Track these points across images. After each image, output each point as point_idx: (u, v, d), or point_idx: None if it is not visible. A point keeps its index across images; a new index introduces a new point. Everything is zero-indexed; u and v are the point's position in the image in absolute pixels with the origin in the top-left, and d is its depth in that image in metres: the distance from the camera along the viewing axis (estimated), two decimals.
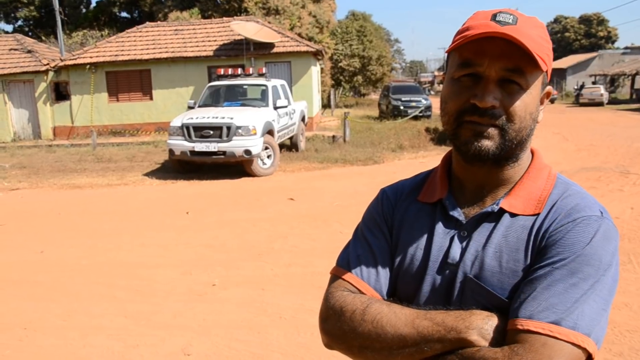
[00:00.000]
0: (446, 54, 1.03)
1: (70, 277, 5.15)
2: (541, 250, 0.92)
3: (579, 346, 0.83)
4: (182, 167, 11.04)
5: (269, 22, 21.10)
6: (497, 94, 0.93)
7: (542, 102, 1.01)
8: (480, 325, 0.88)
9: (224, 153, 10.16)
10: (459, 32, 0.97)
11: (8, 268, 5.49)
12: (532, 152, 1.06)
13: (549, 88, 1.02)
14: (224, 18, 21.22)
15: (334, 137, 15.16)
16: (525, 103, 0.94)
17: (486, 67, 0.92)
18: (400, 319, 0.94)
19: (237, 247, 5.96)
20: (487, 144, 0.95)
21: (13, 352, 3.68)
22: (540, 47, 0.93)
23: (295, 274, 5.01)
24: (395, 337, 0.93)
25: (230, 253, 5.76)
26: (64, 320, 4.18)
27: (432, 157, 12.53)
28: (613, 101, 35.09)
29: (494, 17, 0.94)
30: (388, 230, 1.11)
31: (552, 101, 37.15)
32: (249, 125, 10.15)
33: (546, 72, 0.96)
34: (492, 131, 0.94)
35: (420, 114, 21.11)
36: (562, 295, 0.85)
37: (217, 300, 4.47)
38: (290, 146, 13.70)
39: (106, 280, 5.03)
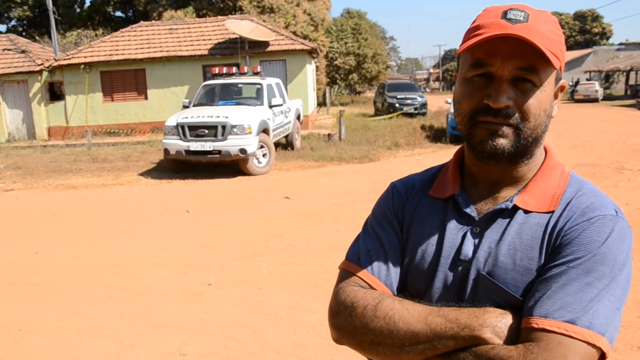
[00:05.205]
0: (456, 55, 1.02)
1: (65, 278, 5.13)
2: (556, 248, 0.92)
3: (593, 345, 0.83)
4: (177, 167, 11.03)
5: (264, 21, 21.06)
6: (510, 93, 0.92)
7: (556, 97, 1.01)
8: (494, 323, 0.88)
9: (219, 152, 10.14)
10: (469, 31, 0.96)
11: (3, 269, 5.46)
12: (545, 150, 1.05)
13: (563, 82, 1.01)
14: (219, 17, 21.19)
15: (329, 135, 15.16)
16: (539, 100, 0.93)
17: (499, 67, 0.92)
18: (412, 315, 0.93)
19: (233, 246, 5.95)
20: (503, 142, 0.94)
21: (8, 353, 3.66)
22: (553, 43, 0.92)
23: (291, 273, 5.01)
24: (408, 334, 0.92)
25: (226, 252, 5.75)
26: (59, 321, 4.17)
27: (427, 155, 12.54)
28: (608, 97, 35.21)
29: (504, 14, 0.92)
30: (398, 224, 1.10)
31: None
32: (244, 124, 10.14)
33: (559, 67, 0.95)
34: (507, 130, 0.94)
35: (416, 112, 21.13)
36: (577, 294, 0.85)
37: (213, 299, 4.46)
38: (285, 145, 13.69)
39: (102, 280, 5.02)
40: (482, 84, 0.94)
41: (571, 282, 0.86)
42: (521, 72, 0.91)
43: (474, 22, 0.97)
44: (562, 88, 1.01)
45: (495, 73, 0.92)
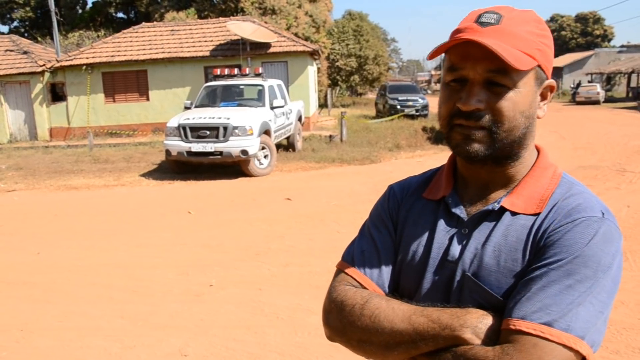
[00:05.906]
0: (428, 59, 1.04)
1: (67, 278, 5.14)
2: (539, 250, 0.91)
3: (570, 348, 0.82)
4: (179, 168, 11.03)
5: (266, 22, 21.08)
6: (482, 96, 0.93)
7: (544, 97, 1.00)
8: (475, 324, 0.88)
9: (220, 153, 10.15)
10: (450, 34, 0.97)
11: (4, 269, 5.47)
12: (538, 150, 1.05)
13: (550, 82, 1.00)
14: (220, 18, 21.20)
15: (330, 136, 15.15)
16: (513, 102, 0.93)
17: (469, 70, 0.93)
18: (397, 314, 0.95)
19: (234, 247, 5.96)
20: (476, 146, 0.95)
21: (10, 353, 3.67)
22: (527, 43, 0.92)
23: (292, 274, 5.01)
24: (392, 333, 0.93)
25: (228, 253, 5.76)
26: (60, 321, 4.17)
27: (429, 156, 12.55)
28: (609, 99, 35.18)
29: (478, 18, 0.94)
30: (393, 226, 1.12)
31: None
32: (246, 126, 10.15)
33: (539, 66, 0.95)
34: (479, 133, 0.94)
35: (417, 113, 21.12)
36: (557, 296, 0.85)
37: (215, 300, 4.47)
38: (287, 146, 13.69)
39: (103, 281, 5.02)
40: (458, 88, 0.96)
41: (551, 284, 0.86)
42: (492, 74, 0.92)
43: (458, 25, 0.98)
44: (551, 88, 1.00)
45: (467, 76, 0.94)
